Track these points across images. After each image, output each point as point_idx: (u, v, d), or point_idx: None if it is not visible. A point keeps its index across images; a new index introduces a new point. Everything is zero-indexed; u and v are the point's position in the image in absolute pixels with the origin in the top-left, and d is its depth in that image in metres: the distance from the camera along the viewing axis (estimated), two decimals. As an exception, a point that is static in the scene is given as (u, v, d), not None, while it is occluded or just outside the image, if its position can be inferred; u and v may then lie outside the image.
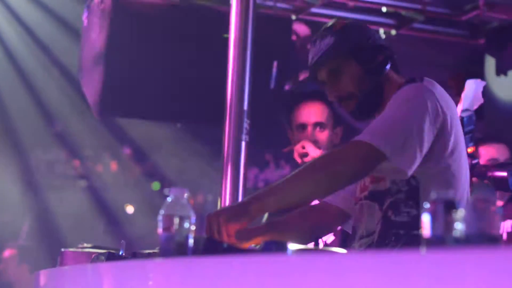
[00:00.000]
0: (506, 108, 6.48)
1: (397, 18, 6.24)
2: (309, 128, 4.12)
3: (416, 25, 6.29)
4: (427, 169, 2.71)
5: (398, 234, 2.75)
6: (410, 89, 2.75)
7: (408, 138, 2.63)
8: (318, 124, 4.13)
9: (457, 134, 2.76)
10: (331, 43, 2.91)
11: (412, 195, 2.75)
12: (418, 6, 6.16)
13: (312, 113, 4.16)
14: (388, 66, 2.89)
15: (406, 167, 2.62)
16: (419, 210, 2.70)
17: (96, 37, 5.76)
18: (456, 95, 7.00)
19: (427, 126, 2.65)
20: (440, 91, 2.77)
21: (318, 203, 3.04)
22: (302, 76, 2.96)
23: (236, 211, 2.60)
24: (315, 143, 4.09)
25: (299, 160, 4.08)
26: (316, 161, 2.70)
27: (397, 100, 2.73)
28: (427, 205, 1.64)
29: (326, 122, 4.13)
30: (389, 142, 2.61)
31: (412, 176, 2.71)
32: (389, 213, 2.79)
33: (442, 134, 2.70)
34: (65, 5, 7.18)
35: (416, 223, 2.70)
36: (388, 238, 2.78)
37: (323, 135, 4.14)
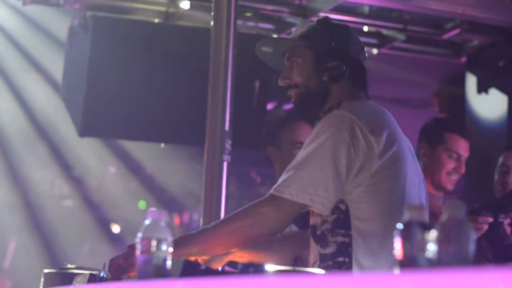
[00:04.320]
0: (488, 126, 6.52)
1: (378, 37, 6.28)
2: None
3: (397, 44, 6.32)
4: (352, 191, 2.72)
5: (328, 266, 2.75)
6: (324, 123, 2.76)
7: (324, 180, 2.68)
8: None
9: (389, 153, 2.73)
10: (304, 32, 2.94)
11: (340, 223, 2.75)
12: (399, 26, 6.19)
13: (308, 133, 4.18)
14: (342, 76, 2.87)
15: (324, 207, 2.69)
16: (349, 234, 2.72)
17: (78, 56, 5.78)
18: (438, 113, 7.06)
19: (344, 156, 2.67)
20: (362, 113, 2.75)
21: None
22: None
23: None
24: None
25: None
26: (236, 221, 2.78)
27: (314, 137, 2.75)
28: (400, 226, 1.66)
29: None
30: (306, 190, 2.68)
31: (341, 201, 2.73)
32: (318, 247, 2.81)
33: (366, 154, 2.70)
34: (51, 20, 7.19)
35: (342, 249, 2.73)
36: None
37: None
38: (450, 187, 4.25)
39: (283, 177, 2.75)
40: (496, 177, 4.42)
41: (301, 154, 2.76)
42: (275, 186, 2.75)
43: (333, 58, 2.87)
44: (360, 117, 2.72)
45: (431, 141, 4.23)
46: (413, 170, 2.84)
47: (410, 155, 2.86)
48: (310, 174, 2.69)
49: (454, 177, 4.25)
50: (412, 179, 2.80)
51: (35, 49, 7.58)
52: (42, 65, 7.73)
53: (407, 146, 2.85)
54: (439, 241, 1.57)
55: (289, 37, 3.05)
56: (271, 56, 3.07)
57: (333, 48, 2.88)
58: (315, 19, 3.04)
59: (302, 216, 2.98)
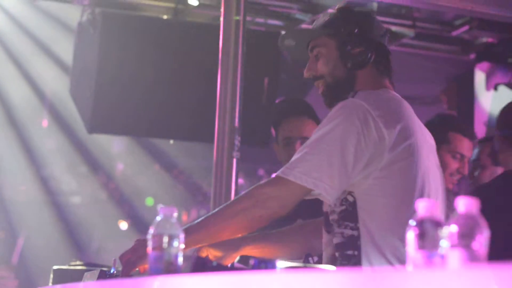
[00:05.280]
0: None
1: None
2: (296, 143, 4.07)
3: (406, 41, 6.32)
4: (361, 183, 2.69)
5: (333, 256, 2.74)
6: (337, 109, 2.73)
7: (329, 165, 2.64)
8: (305, 139, 4.07)
9: (402, 146, 2.69)
10: (326, 21, 2.93)
11: (347, 215, 2.72)
12: (409, 22, 6.18)
13: (299, 128, 4.10)
14: (367, 62, 2.84)
15: (327, 194, 2.65)
16: (357, 227, 2.70)
17: (87, 53, 5.78)
18: (447, 110, 7.06)
19: (353, 145, 2.64)
20: (377, 104, 2.72)
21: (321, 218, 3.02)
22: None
23: None
24: None
25: None
26: (239, 202, 2.76)
27: (325, 122, 2.72)
28: (413, 223, 1.65)
29: None
30: (310, 174, 2.64)
31: (349, 193, 2.71)
32: (328, 236, 2.79)
33: (376, 146, 2.67)
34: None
35: (350, 242, 2.71)
36: (331, 261, 2.77)
37: None
38: (451, 186, 4.22)
39: (291, 159, 2.73)
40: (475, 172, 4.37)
41: (311, 138, 2.73)
42: (282, 168, 2.73)
43: (357, 45, 2.84)
44: (375, 107, 2.68)
45: (435, 139, 4.18)
46: (430, 165, 2.79)
47: (428, 149, 2.82)
48: (316, 158, 2.66)
49: (456, 177, 4.22)
50: (427, 174, 2.75)
51: (49, 38, 7.60)
52: (56, 54, 7.74)
53: (425, 140, 2.81)
54: (452, 237, 1.56)
55: (311, 27, 3.04)
56: (295, 49, 3.06)
57: (356, 35, 2.85)
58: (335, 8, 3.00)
59: (307, 209, 2.97)
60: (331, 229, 2.76)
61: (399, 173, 2.68)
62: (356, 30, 2.86)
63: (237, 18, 4.61)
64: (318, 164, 2.66)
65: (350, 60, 2.85)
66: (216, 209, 2.84)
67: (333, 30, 2.89)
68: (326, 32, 2.91)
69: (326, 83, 2.89)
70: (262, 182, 2.81)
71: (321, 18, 2.96)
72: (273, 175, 2.76)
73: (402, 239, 1.68)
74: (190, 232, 2.66)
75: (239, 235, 2.87)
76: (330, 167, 2.65)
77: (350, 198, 2.71)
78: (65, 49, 6.88)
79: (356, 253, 2.69)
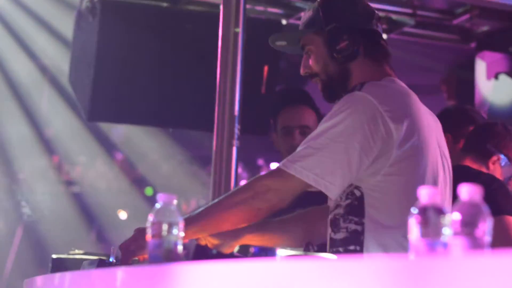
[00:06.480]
0: (497, 112, 6.50)
1: (387, 22, 6.25)
2: (295, 132, 4.07)
3: (407, 29, 6.30)
4: (369, 179, 2.65)
5: (338, 252, 2.68)
6: (343, 102, 2.67)
7: (332, 162, 2.60)
8: (303, 128, 4.07)
9: (411, 142, 2.63)
10: (309, 18, 2.87)
11: (353, 209, 2.68)
12: (409, 11, 6.17)
13: (297, 116, 4.10)
14: (357, 53, 2.78)
15: (328, 191, 2.62)
16: (362, 222, 2.65)
17: (86, 41, 5.76)
18: (447, 99, 7.05)
19: (359, 142, 2.59)
20: (385, 97, 2.66)
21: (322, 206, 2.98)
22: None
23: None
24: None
25: None
26: (238, 194, 2.74)
27: (331, 116, 2.66)
28: (415, 211, 1.64)
29: (312, 127, 3.98)
30: (312, 170, 2.61)
31: (356, 187, 2.67)
32: (330, 231, 2.75)
33: (384, 142, 2.61)
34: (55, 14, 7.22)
35: (353, 237, 2.67)
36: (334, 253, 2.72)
37: None
38: None
39: (294, 152, 2.70)
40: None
41: (315, 131, 2.68)
42: (284, 160, 2.69)
43: (342, 38, 2.77)
44: (382, 101, 2.62)
45: (455, 134, 4.09)
46: (437, 155, 2.74)
47: (435, 139, 2.75)
48: (319, 153, 2.62)
49: None
50: (436, 168, 2.71)
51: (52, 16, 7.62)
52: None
53: (431, 131, 2.74)
54: (455, 225, 1.55)
55: (299, 23, 3.00)
56: (287, 47, 3.02)
57: (341, 28, 2.79)
58: None
59: (307, 199, 2.95)
60: (336, 223, 2.73)
61: (408, 170, 2.64)
62: (339, 24, 2.80)
63: (236, 29, 4.58)
64: (320, 159, 2.62)
65: (339, 54, 2.78)
66: (216, 200, 2.82)
67: (315, 27, 2.84)
68: (309, 31, 2.86)
69: (321, 80, 2.85)
70: (262, 173, 2.78)
71: (305, 15, 2.91)
72: (272, 166, 2.75)
73: (407, 236, 1.66)
74: (189, 222, 2.63)
75: (238, 227, 2.85)
76: (333, 164, 2.61)
77: (357, 193, 2.67)
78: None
79: (358, 248, 2.65)
